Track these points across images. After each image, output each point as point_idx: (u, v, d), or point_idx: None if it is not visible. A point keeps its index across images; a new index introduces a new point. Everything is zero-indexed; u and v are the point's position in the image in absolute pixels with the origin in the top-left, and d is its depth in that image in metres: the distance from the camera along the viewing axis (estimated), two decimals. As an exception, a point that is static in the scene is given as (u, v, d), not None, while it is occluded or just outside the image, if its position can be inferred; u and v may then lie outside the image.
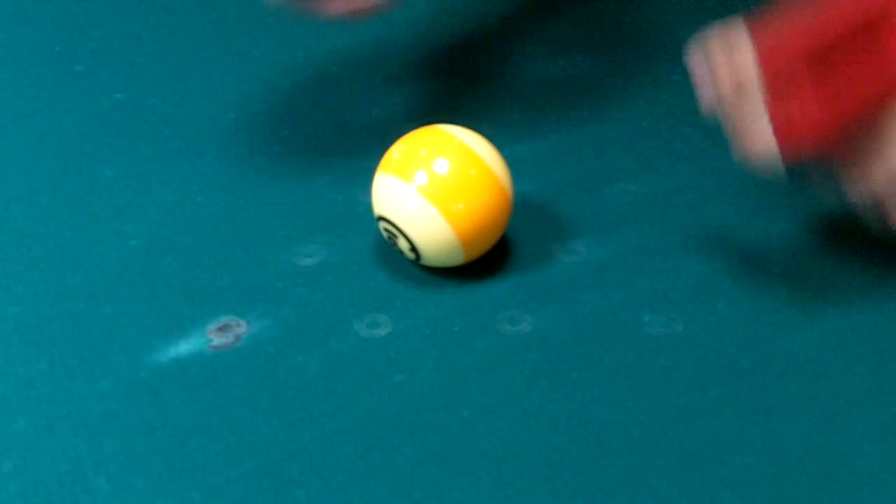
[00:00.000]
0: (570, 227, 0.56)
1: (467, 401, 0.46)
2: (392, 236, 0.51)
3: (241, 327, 0.50)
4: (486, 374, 0.48)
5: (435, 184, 0.50)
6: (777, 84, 0.43)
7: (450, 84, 0.67)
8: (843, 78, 0.42)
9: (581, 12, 0.72)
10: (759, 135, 0.43)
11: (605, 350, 0.49)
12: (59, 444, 0.45)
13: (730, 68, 0.43)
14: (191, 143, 0.63)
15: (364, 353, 0.49)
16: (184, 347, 0.49)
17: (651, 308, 0.51)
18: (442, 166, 0.50)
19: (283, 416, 0.46)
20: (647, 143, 0.63)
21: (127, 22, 0.76)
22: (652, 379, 0.48)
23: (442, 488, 0.43)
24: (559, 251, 0.55)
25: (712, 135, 0.63)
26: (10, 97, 0.68)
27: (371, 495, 0.43)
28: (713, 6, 0.76)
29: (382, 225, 0.51)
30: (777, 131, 0.43)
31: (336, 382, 0.47)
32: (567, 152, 0.61)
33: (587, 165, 0.60)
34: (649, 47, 0.70)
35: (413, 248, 0.51)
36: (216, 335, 0.50)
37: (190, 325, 0.50)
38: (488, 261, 0.53)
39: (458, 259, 0.52)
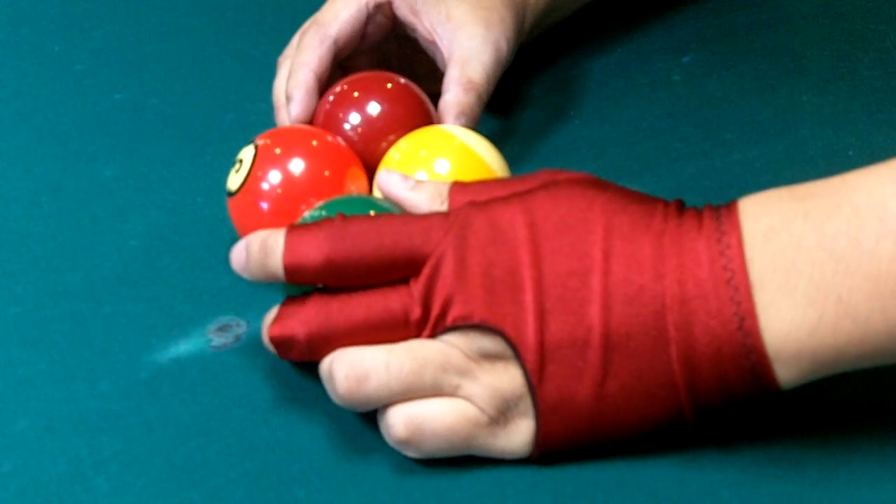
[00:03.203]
0: (570, 227, 0.56)
1: (467, 401, 0.46)
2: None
3: (241, 327, 0.50)
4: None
5: (435, 184, 0.50)
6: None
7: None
8: (342, 297, 0.43)
9: (581, 12, 0.72)
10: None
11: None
12: (59, 444, 0.45)
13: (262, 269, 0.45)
14: (191, 143, 0.63)
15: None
16: (184, 347, 0.49)
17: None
18: (442, 166, 0.50)
19: (283, 416, 0.46)
20: (647, 143, 0.63)
21: (127, 22, 0.76)
22: (652, 379, 0.48)
23: (442, 488, 0.43)
24: (559, 251, 0.55)
25: (712, 135, 0.63)
26: (10, 97, 0.68)
27: (371, 495, 0.43)
28: (713, 6, 0.76)
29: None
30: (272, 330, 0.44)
31: (336, 382, 0.47)
32: (567, 152, 0.61)
33: (587, 165, 0.60)
34: (649, 47, 0.70)
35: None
36: (216, 335, 0.50)
37: (190, 325, 0.50)
38: (488, 261, 0.53)
39: (458, 259, 0.51)
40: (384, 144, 0.54)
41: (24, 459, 0.44)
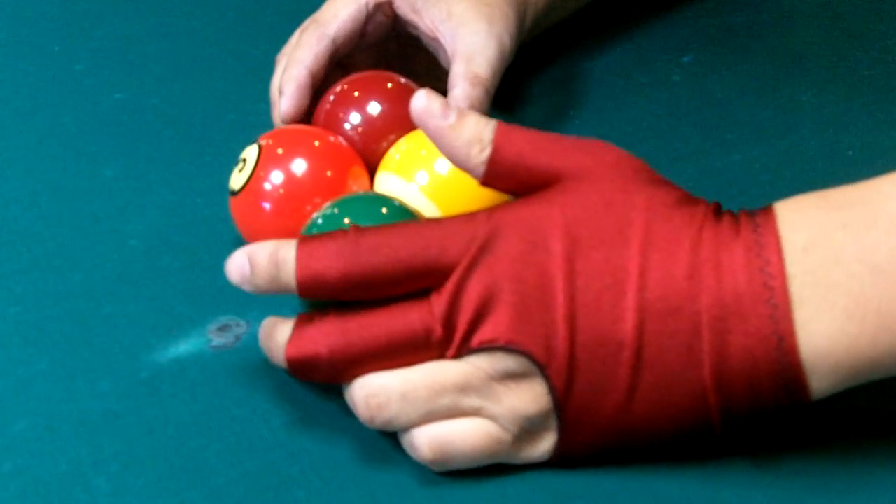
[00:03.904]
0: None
1: (467, 401, 0.46)
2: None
3: (241, 327, 0.50)
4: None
5: (436, 183, 0.50)
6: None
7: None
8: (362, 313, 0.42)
9: (581, 12, 0.72)
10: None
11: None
12: (59, 444, 0.45)
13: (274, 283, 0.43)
14: (191, 143, 0.63)
15: (364, 353, 0.49)
16: (184, 347, 0.49)
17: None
18: (443, 165, 0.50)
19: (283, 416, 0.46)
20: (647, 143, 0.63)
21: (127, 22, 0.76)
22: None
23: (442, 488, 0.43)
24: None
25: (712, 135, 0.63)
26: (10, 97, 0.68)
27: (371, 495, 0.43)
28: (713, 6, 0.76)
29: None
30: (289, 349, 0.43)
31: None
32: (567, 152, 0.61)
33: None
34: (649, 47, 0.70)
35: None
36: (216, 335, 0.50)
37: (190, 325, 0.50)
38: (488, 261, 0.53)
39: (458, 259, 0.51)
40: (384, 144, 0.54)
41: (24, 459, 0.44)
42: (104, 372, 0.48)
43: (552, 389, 0.41)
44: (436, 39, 0.59)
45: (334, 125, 0.55)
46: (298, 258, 0.42)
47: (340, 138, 0.53)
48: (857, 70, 0.69)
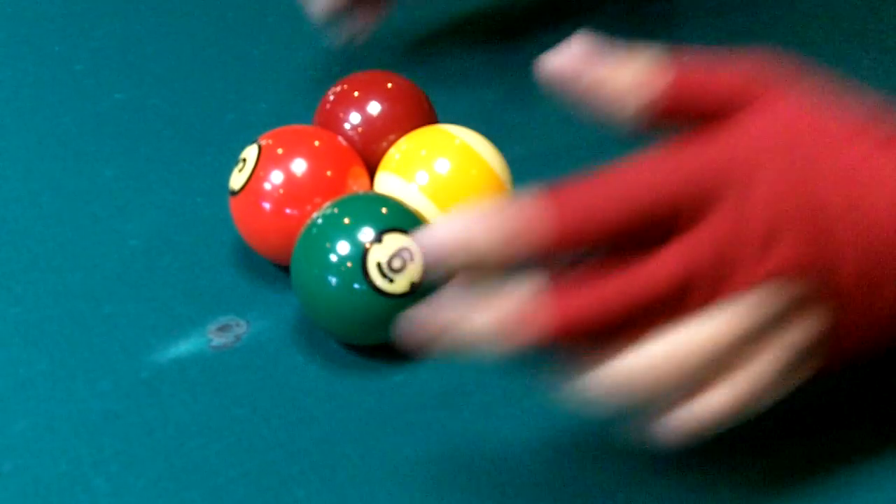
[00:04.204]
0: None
1: (467, 401, 0.46)
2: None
3: (241, 327, 0.50)
4: (487, 374, 0.48)
5: (436, 183, 0.50)
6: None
7: (450, 84, 0.67)
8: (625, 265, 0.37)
9: (582, 12, 0.72)
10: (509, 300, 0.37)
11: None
12: (59, 444, 0.45)
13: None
14: (191, 143, 0.63)
15: (364, 353, 0.49)
16: (184, 347, 0.49)
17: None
18: (443, 166, 0.50)
19: (283, 416, 0.46)
20: (647, 143, 0.63)
21: (127, 22, 0.76)
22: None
23: (442, 488, 0.43)
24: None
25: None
26: (10, 97, 0.68)
27: (371, 495, 0.43)
28: (713, 6, 0.76)
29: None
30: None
31: (336, 382, 0.47)
32: (567, 152, 0.61)
33: (587, 165, 0.60)
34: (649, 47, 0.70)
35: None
36: (216, 335, 0.50)
37: (190, 325, 0.50)
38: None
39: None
40: (384, 144, 0.54)
41: (24, 459, 0.44)
42: (104, 372, 0.48)
43: (828, 315, 0.38)
44: None
45: (334, 125, 0.55)
46: (548, 209, 0.37)
47: (340, 138, 0.53)
48: (857, 70, 0.69)
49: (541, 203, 0.37)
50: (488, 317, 0.37)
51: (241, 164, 0.51)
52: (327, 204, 0.48)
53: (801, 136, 0.38)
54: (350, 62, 0.68)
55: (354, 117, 0.54)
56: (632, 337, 0.37)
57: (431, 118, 0.56)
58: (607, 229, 0.37)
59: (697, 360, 0.37)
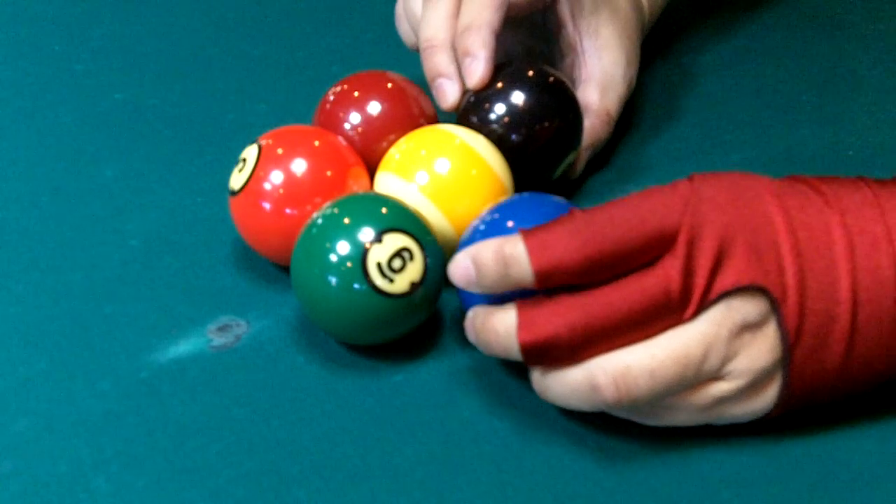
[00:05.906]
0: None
1: (467, 401, 0.46)
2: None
3: (241, 327, 0.50)
4: (486, 375, 0.48)
5: (436, 183, 0.50)
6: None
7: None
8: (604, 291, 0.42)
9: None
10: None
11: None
12: (59, 444, 0.45)
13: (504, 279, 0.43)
14: (191, 143, 0.63)
15: (364, 353, 0.49)
16: (184, 347, 0.49)
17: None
18: (443, 166, 0.50)
19: (283, 416, 0.46)
20: (647, 143, 0.63)
21: (127, 22, 0.76)
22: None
23: (442, 488, 0.43)
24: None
25: (712, 134, 0.63)
26: (10, 97, 0.68)
27: (371, 495, 0.43)
28: (714, 6, 0.76)
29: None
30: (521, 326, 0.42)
31: (336, 382, 0.47)
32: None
33: (587, 165, 0.60)
34: (650, 47, 0.70)
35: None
36: (216, 335, 0.50)
37: (190, 325, 0.50)
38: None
39: (458, 259, 0.51)
40: (384, 144, 0.54)
41: (24, 459, 0.44)
42: (104, 372, 0.48)
43: (784, 334, 0.41)
44: (573, 49, 0.59)
45: (334, 125, 0.55)
46: (531, 250, 0.42)
47: (340, 138, 0.53)
48: (857, 70, 0.70)
49: (523, 247, 0.42)
50: (478, 331, 0.44)
51: (241, 164, 0.51)
52: (327, 204, 0.48)
53: (737, 183, 0.43)
54: (350, 62, 0.68)
55: (354, 117, 0.54)
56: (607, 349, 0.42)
57: (431, 118, 0.56)
58: (583, 265, 0.41)
59: (669, 369, 0.41)
